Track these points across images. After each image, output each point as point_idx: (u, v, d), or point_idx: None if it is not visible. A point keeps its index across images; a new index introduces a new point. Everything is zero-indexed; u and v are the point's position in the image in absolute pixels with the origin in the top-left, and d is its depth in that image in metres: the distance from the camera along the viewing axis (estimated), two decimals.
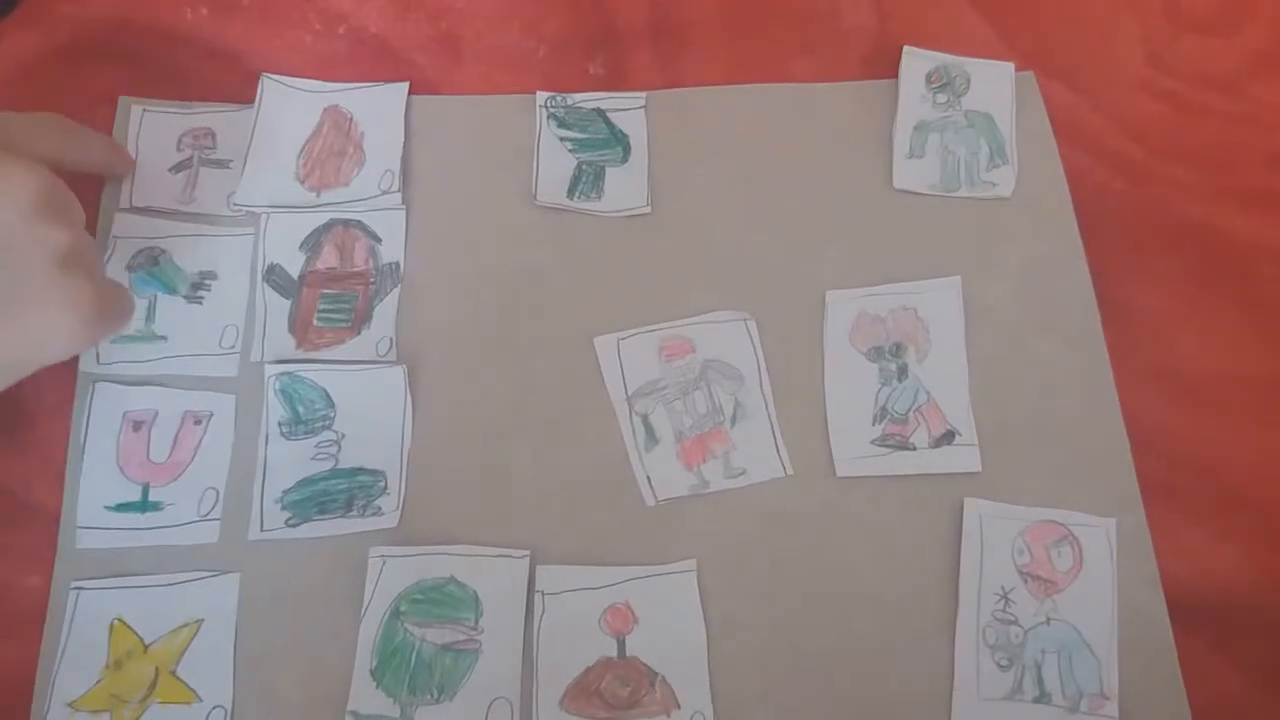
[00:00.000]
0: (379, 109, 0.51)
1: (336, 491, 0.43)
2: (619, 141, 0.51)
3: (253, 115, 0.50)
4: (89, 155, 0.46)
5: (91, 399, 0.44)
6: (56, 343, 0.37)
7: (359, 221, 0.49)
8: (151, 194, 0.48)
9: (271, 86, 0.51)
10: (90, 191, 0.47)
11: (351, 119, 0.51)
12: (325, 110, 0.51)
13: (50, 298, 0.36)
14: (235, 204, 0.48)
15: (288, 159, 0.50)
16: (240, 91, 0.51)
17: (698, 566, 0.43)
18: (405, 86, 0.51)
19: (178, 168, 0.49)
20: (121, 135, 0.49)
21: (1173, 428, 0.46)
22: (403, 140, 0.50)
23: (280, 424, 0.44)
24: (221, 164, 0.49)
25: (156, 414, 0.44)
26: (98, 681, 0.40)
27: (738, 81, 0.53)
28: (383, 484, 0.44)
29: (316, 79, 0.51)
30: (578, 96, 0.52)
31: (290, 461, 0.44)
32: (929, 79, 0.53)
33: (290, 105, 0.51)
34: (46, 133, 0.42)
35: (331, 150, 0.50)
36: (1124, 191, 0.51)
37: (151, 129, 0.50)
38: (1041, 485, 0.45)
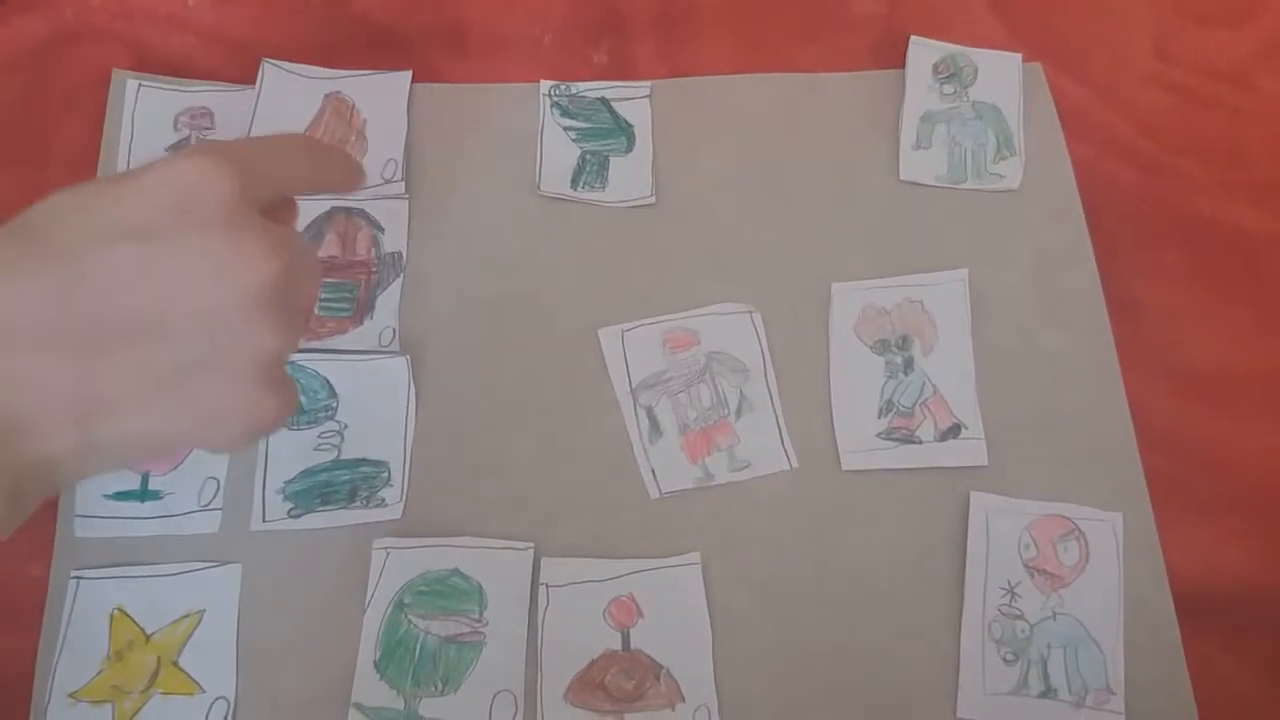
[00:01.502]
0: (381, 97, 0.50)
1: (339, 482, 0.43)
2: (623, 131, 0.51)
3: (253, 101, 0.49)
4: (333, 176, 0.37)
5: None
6: (215, 440, 0.31)
7: (361, 210, 0.48)
8: None
9: (272, 72, 0.50)
10: (84, 171, 0.47)
11: (353, 107, 0.50)
12: (326, 97, 0.50)
13: (233, 400, 0.30)
14: None
15: None
16: (241, 79, 0.50)
17: (702, 559, 0.43)
18: (408, 74, 0.51)
19: (175, 147, 0.48)
20: (116, 111, 0.49)
21: (1180, 422, 0.46)
22: (405, 129, 0.50)
23: None
24: None
25: None
26: (99, 672, 0.40)
27: (743, 70, 0.52)
28: (386, 475, 0.43)
29: (318, 66, 0.51)
30: (582, 85, 0.52)
31: (292, 452, 0.43)
32: (936, 69, 0.52)
33: (291, 92, 0.50)
34: (298, 162, 0.34)
35: (333, 138, 0.49)
36: (1132, 184, 0.51)
37: (147, 105, 0.49)
38: (1048, 479, 0.45)
